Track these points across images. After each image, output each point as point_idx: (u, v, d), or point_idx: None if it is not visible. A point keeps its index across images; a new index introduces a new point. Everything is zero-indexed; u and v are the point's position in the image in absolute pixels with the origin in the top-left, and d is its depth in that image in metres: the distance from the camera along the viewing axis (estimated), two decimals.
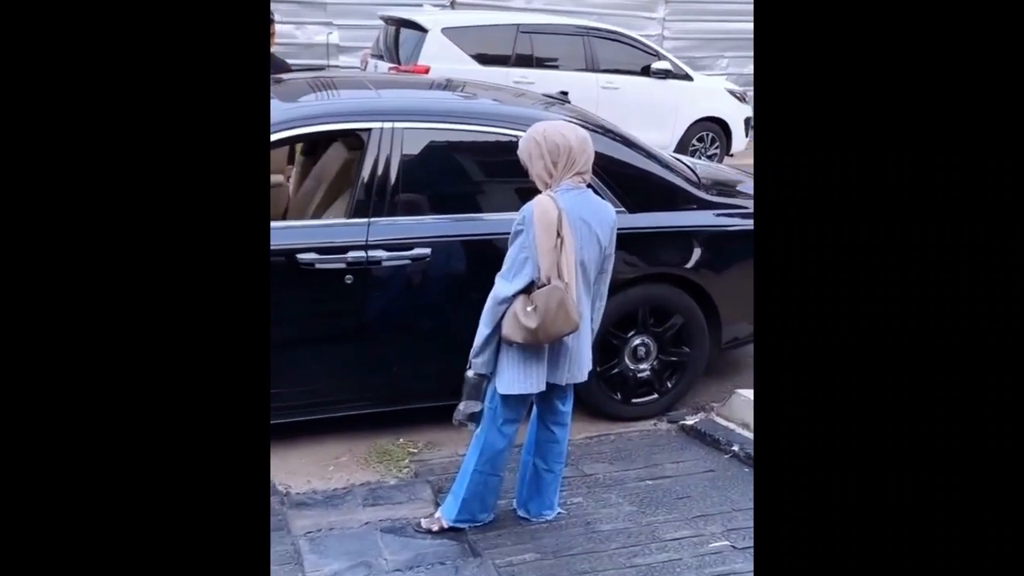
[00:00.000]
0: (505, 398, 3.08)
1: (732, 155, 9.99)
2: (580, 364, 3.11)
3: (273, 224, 3.42)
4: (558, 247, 2.88)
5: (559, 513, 3.45)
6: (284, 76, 4.82)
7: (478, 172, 4.08)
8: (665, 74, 9.52)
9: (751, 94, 10.29)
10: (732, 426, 4.19)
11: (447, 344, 3.64)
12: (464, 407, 3.09)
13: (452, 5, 11.72)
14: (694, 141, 9.83)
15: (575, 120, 3.89)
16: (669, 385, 4.32)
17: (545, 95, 4.98)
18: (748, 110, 10.09)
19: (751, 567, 3.13)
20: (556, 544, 3.27)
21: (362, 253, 3.69)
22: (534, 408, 3.28)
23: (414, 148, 3.84)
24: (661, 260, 4.17)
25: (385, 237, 3.73)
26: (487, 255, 3.66)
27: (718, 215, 4.31)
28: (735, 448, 3.99)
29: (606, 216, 3.06)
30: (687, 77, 9.81)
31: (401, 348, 3.88)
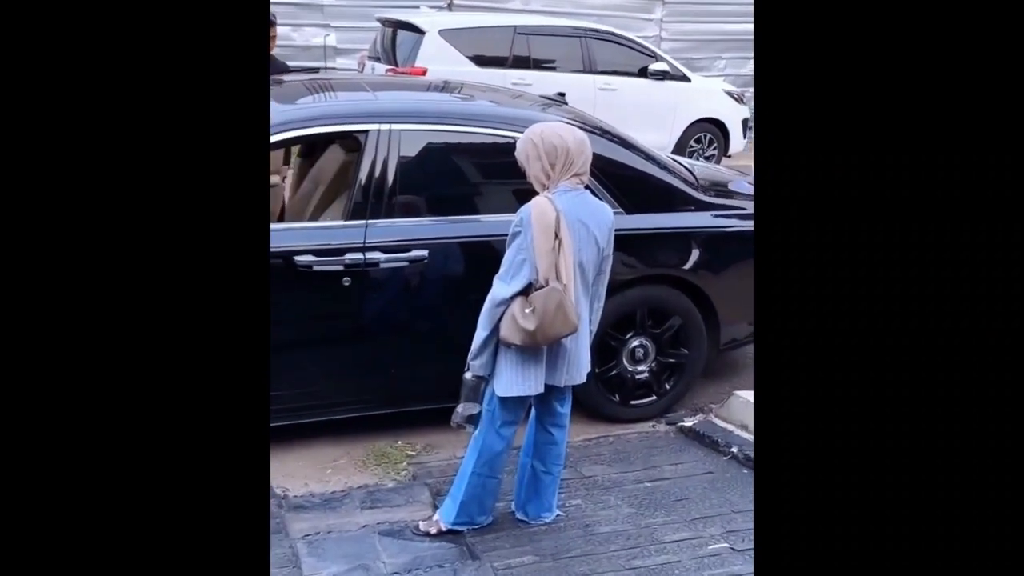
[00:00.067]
0: (503, 400, 3.07)
1: (730, 156, 9.99)
2: (578, 366, 3.11)
3: (271, 226, 3.41)
4: (556, 249, 2.88)
5: (557, 515, 3.44)
6: (285, 77, 4.82)
7: (476, 174, 4.07)
8: (663, 75, 9.52)
9: (749, 95, 10.30)
10: (731, 428, 4.19)
11: (445, 346, 3.63)
12: (462, 409, 3.09)
13: (449, 7, 11.72)
14: (692, 142, 9.84)
15: (573, 121, 3.89)
16: (667, 387, 4.31)
17: (542, 96, 4.98)
18: (746, 111, 10.10)
19: (750, 569, 3.12)
20: (555, 546, 3.27)
21: (360, 255, 3.68)
22: (532, 410, 3.28)
23: (411, 150, 3.83)
24: (659, 261, 4.16)
25: (383, 239, 3.72)
26: (485, 257, 3.65)
27: (716, 216, 4.31)
28: (734, 450, 3.99)
29: (604, 217, 3.06)
30: (685, 78, 9.82)
31: (399, 350, 3.87)
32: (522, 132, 3.10)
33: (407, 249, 3.74)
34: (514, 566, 3.14)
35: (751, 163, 5.34)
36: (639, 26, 12.42)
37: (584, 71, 9.13)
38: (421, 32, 8.58)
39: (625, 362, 4.19)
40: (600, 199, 3.29)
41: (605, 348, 4.08)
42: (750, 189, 4.79)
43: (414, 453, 3.96)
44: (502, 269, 2.99)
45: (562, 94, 5.19)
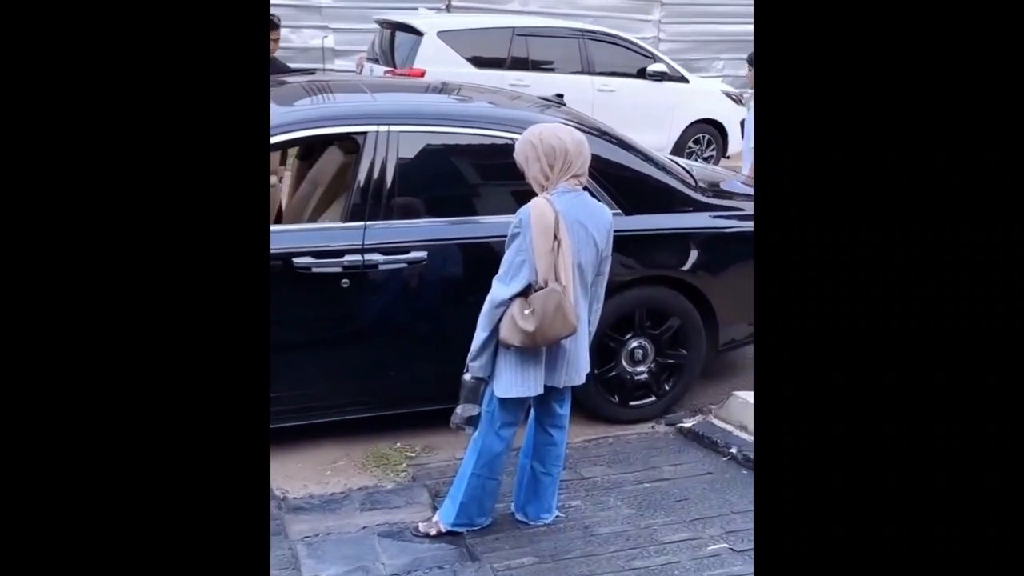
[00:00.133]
0: (503, 401, 3.07)
1: (728, 157, 9.99)
2: (578, 367, 3.11)
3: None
4: (555, 250, 2.88)
5: (557, 516, 3.44)
6: (288, 79, 4.83)
7: (474, 175, 4.07)
8: (661, 76, 9.53)
9: (747, 96, 10.31)
10: (730, 428, 4.19)
11: (444, 347, 3.63)
12: (462, 411, 3.09)
13: (448, 8, 11.73)
14: (690, 143, 9.84)
15: (571, 123, 3.89)
16: (666, 387, 4.31)
17: (541, 98, 4.98)
18: (744, 112, 10.10)
19: (750, 569, 3.12)
20: (554, 547, 3.27)
21: (358, 257, 3.68)
22: (532, 411, 3.28)
23: (410, 151, 3.83)
24: (658, 262, 4.16)
25: (381, 241, 3.72)
26: (484, 258, 3.65)
27: (714, 217, 4.31)
28: (733, 450, 3.99)
29: (602, 219, 3.06)
30: (683, 79, 9.82)
31: (398, 352, 3.87)
32: (520, 133, 3.10)
33: (406, 251, 3.74)
34: (514, 567, 3.14)
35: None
36: (637, 27, 12.44)
37: (582, 72, 9.13)
38: (419, 34, 8.58)
39: (624, 363, 4.19)
40: (599, 200, 3.29)
41: (604, 349, 4.08)
42: (743, 188, 4.80)
43: (413, 454, 3.96)
44: (501, 270, 2.99)
45: (560, 95, 5.19)
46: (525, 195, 3.06)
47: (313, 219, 4.14)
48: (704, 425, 4.25)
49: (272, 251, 3.33)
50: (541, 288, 2.88)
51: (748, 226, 4.23)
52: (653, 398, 4.31)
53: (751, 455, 3.85)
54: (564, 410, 3.27)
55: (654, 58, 9.74)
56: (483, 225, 3.86)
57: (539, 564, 3.17)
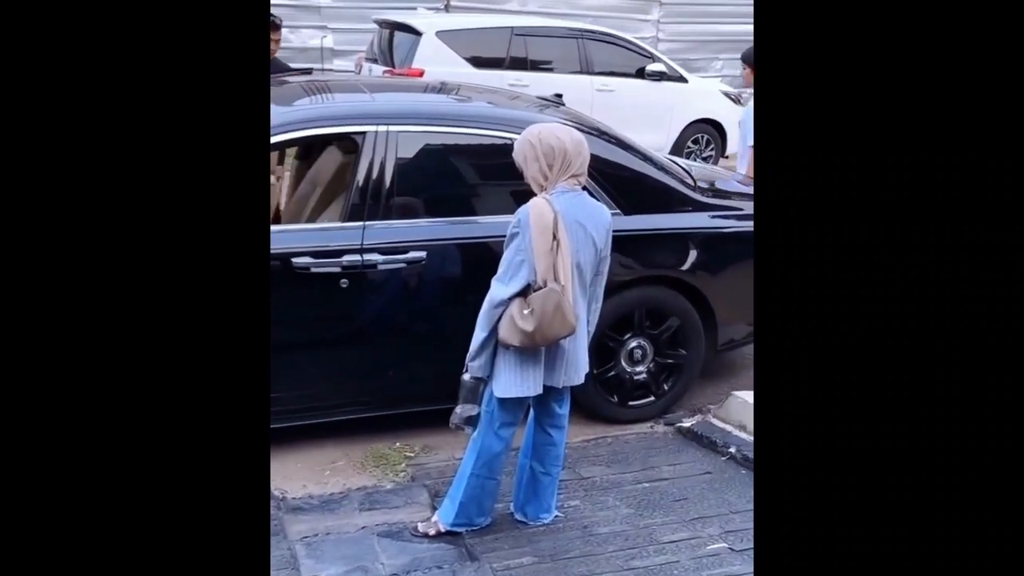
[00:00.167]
0: (502, 401, 3.07)
1: (727, 157, 9.99)
2: (577, 367, 3.11)
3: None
4: (554, 250, 2.87)
5: (556, 516, 3.44)
6: (287, 78, 4.84)
7: (473, 175, 4.07)
8: (660, 76, 9.53)
9: (746, 96, 10.30)
10: (729, 428, 4.19)
11: (443, 347, 3.63)
12: (461, 411, 3.09)
13: (446, 8, 11.73)
14: (689, 143, 9.84)
15: (570, 123, 3.89)
16: (666, 387, 4.32)
17: (540, 98, 4.98)
18: (743, 112, 10.10)
19: (748, 569, 3.12)
20: (553, 547, 3.27)
21: (357, 257, 3.68)
22: (531, 411, 3.28)
23: (409, 151, 3.83)
24: (657, 262, 4.16)
25: (380, 241, 3.72)
26: (483, 258, 3.65)
27: (713, 217, 4.31)
28: (732, 450, 3.99)
29: (601, 218, 3.06)
30: (682, 79, 9.82)
31: (397, 352, 3.87)
32: (519, 133, 3.10)
33: (405, 251, 3.74)
34: (513, 567, 3.14)
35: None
36: (636, 27, 12.44)
37: (581, 72, 9.13)
38: (418, 34, 8.58)
39: (623, 363, 4.19)
40: (598, 200, 3.29)
41: (603, 349, 4.08)
42: (740, 187, 4.80)
43: (412, 454, 3.96)
44: (500, 270, 2.99)
45: (559, 95, 5.19)
46: (524, 195, 3.06)
47: (312, 219, 4.14)
48: (703, 425, 4.25)
49: (271, 251, 3.32)
50: (540, 288, 2.88)
51: (747, 226, 4.23)
52: (652, 398, 4.31)
53: (750, 455, 3.85)
54: (563, 410, 3.27)
55: (653, 58, 9.75)
56: (482, 225, 3.86)
57: (538, 564, 3.17)
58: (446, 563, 3.15)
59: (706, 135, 9.95)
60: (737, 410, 4.23)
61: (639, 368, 4.22)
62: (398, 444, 4.02)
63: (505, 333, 2.93)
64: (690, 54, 12.75)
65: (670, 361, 4.28)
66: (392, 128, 3.79)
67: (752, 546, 3.19)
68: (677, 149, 9.54)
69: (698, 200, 4.32)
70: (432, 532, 3.30)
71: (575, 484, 3.71)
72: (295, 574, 3.08)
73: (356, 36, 10.90)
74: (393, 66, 8.66)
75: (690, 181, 4.45)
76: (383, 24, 9.34)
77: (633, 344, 4.17)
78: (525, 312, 2.88)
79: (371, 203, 3.74)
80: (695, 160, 8.91)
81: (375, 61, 9.08)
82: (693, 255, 4.19)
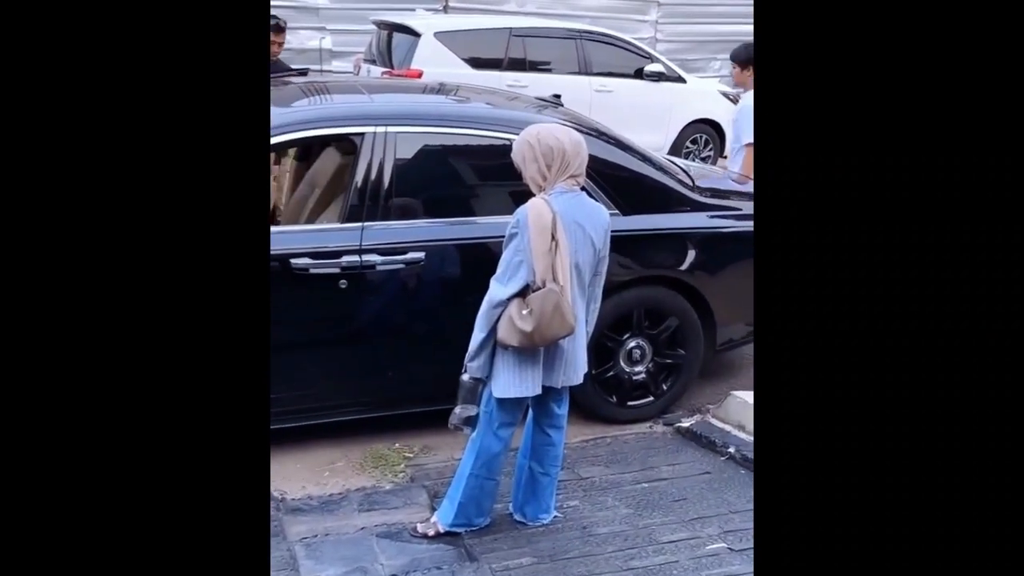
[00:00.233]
0: (501, 402, 3.07)
1: (726, 156, 9.98)
2: (575, 367, 3.11)
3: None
4: (553, 250, 2.88)
5: (555, 516, 3.44)
6: (289, 79, 4.85)
7: (472, 176, 4.07)
8: (658, 77, 9.53)
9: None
10: (728, 428, 4.19)
11: (442, 348, 3.63)
12: (460, 411, 3.08)
13: (445, 9, 11.73)
14: (687, 143, 9.84)
15: (568, 123, 3.89)
16: (664, 387, 4.32)
17: (538, 98, 4.99)
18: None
19: (748, 568, 3.12)
20: (552, 548, 3.27)
21: (356, 258, 3.68)
22: (530, 411, 3.28)
23: (407, 152, 3.83)
24: (655, 262, 4.16)
25: (379, 241, 3.72)
26: (481, 259, 3.65)
27: (712, 217, 4.31)
28: (731, 450, 3.99)
29: (600, 219, 3.06)
30: (680, 79, 9.83)
31: (396, 352, 3.87)
32: (518, 134, 3.10)
33: (403, 251, 3.74)
34: (512, 567, 3.14)
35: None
36: (634, 28, 12.44)
37: (580, 73, 9.14)
38: (417, 35, 8.58)
39: (622, 363, 4.19)
40: (596, 200, 3.29)
41: (602, 349, 4.08)
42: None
43: (412, 455, 3.96)
44: (499, 271, 2.99)
45: (558, 96, 5.20)
46: (523, 195, 3.06)
47: (311, 220, 4.14)
48: (702, 425, 4.25)
49: (270, 252, 3.32)
50: (539, 288, 2.88)
51: (745, 226, 4.24)
52: (651, 398, 4.31)
53: (749, 455, 3.86)
54: (562, 410, 3.27)
55: (651, 58, 9.75)
56: (481, 226, 3.86)
57: (537, 564, 3.17)
58: (445, 564, 3.15)
59: (704, 135, 9.96)
60: (736, 410, 4.23)
61: (638, 368, 4.22)
62: (397, 445, 4.02)
63: (504, 333, 2.93)
64: (688, 54, 12.76)
65: (669, 361, 4.28)
66: (391, 129, 3.79)
67: (751, 546, 3.19)
68: (675, 149, 9.54)
69: (696, 200, 4.32)
70: (431, 533, 3.30)
71: (574, 484, 3.71)
72: (295, 575, 3.08)
73: (354, 37, 10.90)
74: (392, 67, 8.66)
75: (688, 181, 4.45)
76: (381, 25, 9.34)
77: (632, 344, 4.17)
78: (524, 312, 2.88)
79: (370, 204, 3.74)
80: (693, 160, 8.91)
81: (373, 62, 9.08)
82: (692, 255, 4.19)
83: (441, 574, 3.10)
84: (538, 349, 2.98)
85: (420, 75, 8.03)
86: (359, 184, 3.74)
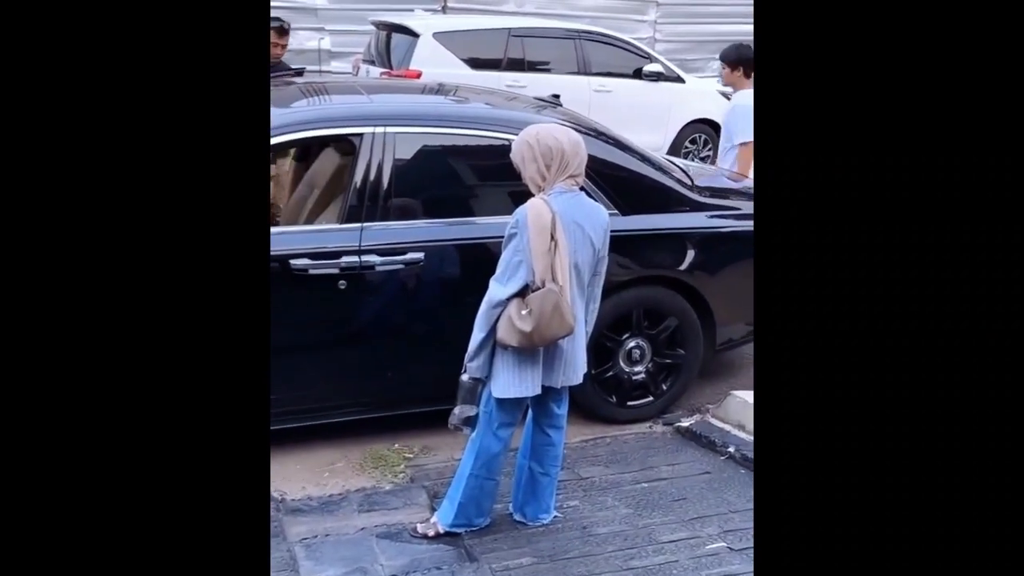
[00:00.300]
0: (500, 402, 3.07)
1: None
2: (575, 367, 3.11)
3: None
4: (552, 250, 2.88)
5: (555, 516, 3.44)
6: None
7: (471, 176, 4.07)
8: (657, 77, 9.53)
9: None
10: (728, 428, 4.19)
11: (442, 348, 3.63)
12: (459, 411, 3.08)
13: (443, 10, 11.73)
14: (687, 143, 9.84)
15: (568, 123, 3.89)
16: (664, 387, 4.32)
17: (537, 98, 4.98)
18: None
19: (748, 568, 3.12)
20: (552, 548, 3.27)
21: (355, 258, 3.68)
22: (529, 412, 3.28)
23: (406, 152, 3.83)
24: (655, 262, 4.16)
25: (378, 242, 3.72)
26: (481, 259, 3.65)
27: (711, 217, 4.31)
28: (731, 450, 3.99)
29: (599, 219, 3.06)
30: (679, 79, 9.82)
31: (395, 353, 3.87)
32: (517, 134, 3.10)
33: (403, 252, 3.74)
34: (512, 567, 3.14)
35: None
36: (633, 28, 12.44)
37: (578, 73, 9.13)
38: (415, 35, 8.58)
39: (622, 363, 4.19)
40: (595, 200, 3.29)
41: (601, 349, 4.08)
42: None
43: (411, 455, 3.96)
44: (498, 271, 2.99)
45: (557, 96, 5.20)
46: (522, 196, 3.06)
47: (310, 221, 4.14)
48: (702, 424, 4.25)
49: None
50: (538, 288, 2.88)
51: (745, 225, 4.24)
52: (651, 398, 4.31)
53: (749, 454, 3.86)
54: (562, 410, 3.27)
55: (650, 58, 9.75)
56: (480, 226, 3.86)
57: (537, 564, 3.17)
58: (445, 564, 3.15)
59: (703, 135, 9.95)
60: (736, 410, 4.23)
61: (637, 368, 4.22)
62: (397, 445, 4.02)
63: (503, 333, 2.93)
64: (687, 54, 12.75)
65: (668, 361, 4.28)
66: (390, 129, 3.79)
67: (751, 545, 3.19)
68: (674, 149, 9.53)
69: (696, 200, 4.32)
70: (431, 533, 3.30)
71: (574, 484, 3.71)
72: (294, 575, 3.08)
73: (353, 38, 10.89)
74: (390, 67, 8.66)
75: (688, 181, 4.45)
76: (380, 26, 9.34)
77: (631, 344, 4.17)
78: (523, 312, 2.88)
79: (369, 204, 3.74)
80: (692, 160, 8.91)
81: (372, 63, 9.08)
82: (691, 255, 4.19)
83: (441, 574, 3.10)
84: (537, 349, 2.98)
85: (419, 75, 8.03)
86: (358, 185, 3.73)
